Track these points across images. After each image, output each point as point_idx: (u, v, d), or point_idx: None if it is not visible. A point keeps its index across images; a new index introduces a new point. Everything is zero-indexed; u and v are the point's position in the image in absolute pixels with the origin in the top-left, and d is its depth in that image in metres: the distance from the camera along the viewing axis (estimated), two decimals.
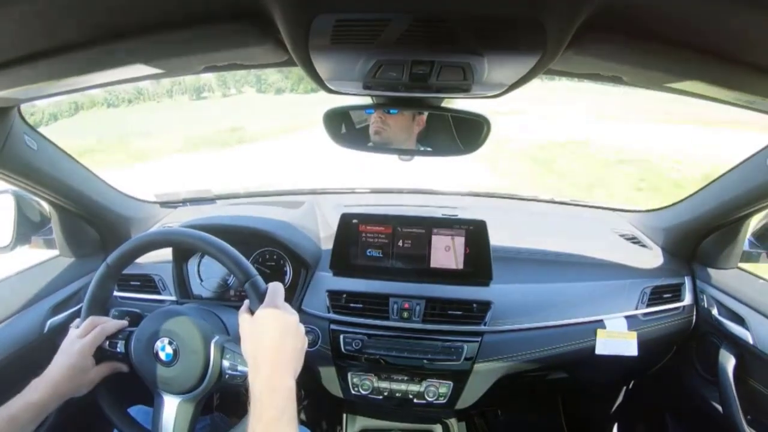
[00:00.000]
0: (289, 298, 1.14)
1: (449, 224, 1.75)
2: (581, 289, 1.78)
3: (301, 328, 1.11)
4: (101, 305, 1.28)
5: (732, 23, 0.74)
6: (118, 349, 1.22)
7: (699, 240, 1.84)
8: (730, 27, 0.75)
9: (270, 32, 0.83)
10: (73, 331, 1.21)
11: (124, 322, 1.27)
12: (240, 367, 1.14)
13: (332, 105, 1.44)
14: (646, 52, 0.87)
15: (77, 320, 1.26)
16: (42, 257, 1.84)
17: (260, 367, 1.00)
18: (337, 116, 1.49)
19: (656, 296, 1.78)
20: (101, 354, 1.21)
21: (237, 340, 1.12)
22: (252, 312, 1.10)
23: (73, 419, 1.19)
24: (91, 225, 1.85)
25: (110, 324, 1.23)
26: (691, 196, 1.85)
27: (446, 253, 1.75)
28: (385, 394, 1.76)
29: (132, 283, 1.81)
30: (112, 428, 1.26)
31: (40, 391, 1.10)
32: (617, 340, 1.71)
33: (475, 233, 1.73)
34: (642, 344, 1.71)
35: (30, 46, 0.85)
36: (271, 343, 1.03)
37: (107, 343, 1.22)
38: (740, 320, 1.61)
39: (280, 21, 0.77)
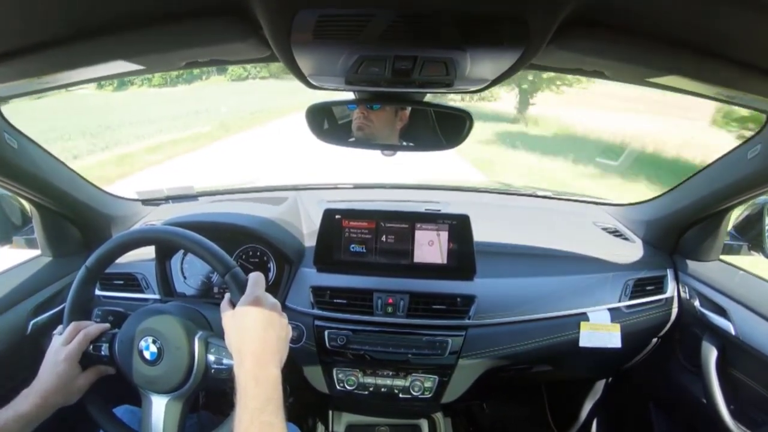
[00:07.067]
0: (273, 295, 1.14)
1: (433, 219, 1.75)
2: (564, 283, 1.79)
3: (284, 316, 1.11)
4: (83, 309, 1.27)
5: (713, 19, 0.74)
6: (103, 352, 1.20)
7: (681, 232, 1.86)
8: (711, 22, 0.76)
9: (252, 28, 0.83)
10: (57, 339, 1.20)
11: (107, 325, 1.25)
12: (225, 361, 1.13)
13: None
14: (628, 47, 0.88)
15: (60, 327, 1.24)
16: (24, 257, 1.81)
17: (245, 358, 1.00)
18: (319, 112, 1.49)
19: (639, 288, 1.80)
20: (87, 359, 1.19)
21: (221, 334, 1.11)
22: (233, 304, 1.10)
23: (58, 421, 1.18)
24: (73, 224, 1.82)
25: (93, 328, 1.21)
26: (672, 189, 1.87)
27: (430, 247, 1.75)
28: (371, 389, 1.76)
29: (115, 282, 1.79)
30: (98, 430, 1.25)
31: (30, 402, 1.09)
32: (601, 332, 1.72)
33: (458, 228, 1.73)
34: (625, 336, 1.72)
35: (7, 43, 0.83)
36: (254, 335, 1.03)
37: (91, 347, 1.20)
38: (722, 312, 1.62)
39: (263, 16, 0.77)
